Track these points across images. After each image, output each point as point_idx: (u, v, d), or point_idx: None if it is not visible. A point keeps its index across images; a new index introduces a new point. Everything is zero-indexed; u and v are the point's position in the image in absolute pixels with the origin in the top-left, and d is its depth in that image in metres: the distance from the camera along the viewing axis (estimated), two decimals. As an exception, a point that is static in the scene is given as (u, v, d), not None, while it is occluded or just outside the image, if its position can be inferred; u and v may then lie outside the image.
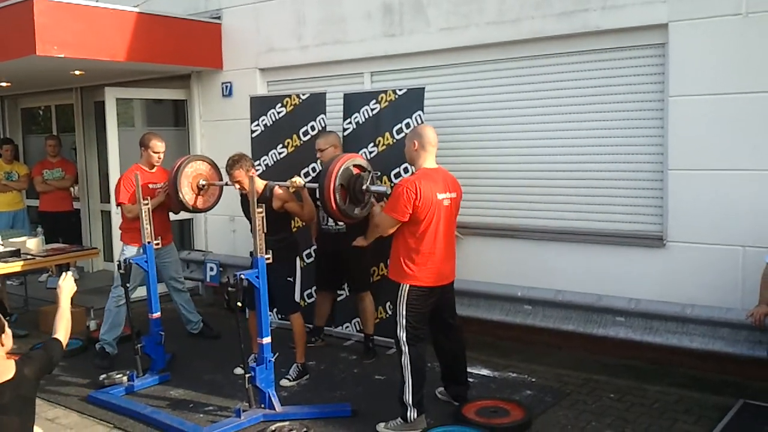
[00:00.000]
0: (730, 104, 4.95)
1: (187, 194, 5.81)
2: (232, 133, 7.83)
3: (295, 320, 5.34)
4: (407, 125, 5.95)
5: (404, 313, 4.37)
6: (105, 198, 9.24)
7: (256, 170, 5.53)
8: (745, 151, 4.91)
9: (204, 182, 5.91)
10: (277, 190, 5.26)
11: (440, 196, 4.39)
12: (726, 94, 4.96)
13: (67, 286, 3.42)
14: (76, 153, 9.74)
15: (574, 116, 5.72)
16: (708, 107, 5.04)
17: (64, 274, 3.48)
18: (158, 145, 6.18)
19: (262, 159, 6.86)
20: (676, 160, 5.20)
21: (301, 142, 6.59)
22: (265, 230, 4.74)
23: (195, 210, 6.05)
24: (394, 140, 6.02)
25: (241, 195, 5.43)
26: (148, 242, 5.51)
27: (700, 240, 5.14)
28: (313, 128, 6.54)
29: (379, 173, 4.75)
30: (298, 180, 5.31)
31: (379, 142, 6.11)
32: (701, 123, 5.07)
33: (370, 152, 6.15)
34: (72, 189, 9.32)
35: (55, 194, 8.91)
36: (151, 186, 6.05)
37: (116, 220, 7.72)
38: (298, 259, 5.49)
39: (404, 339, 4.36)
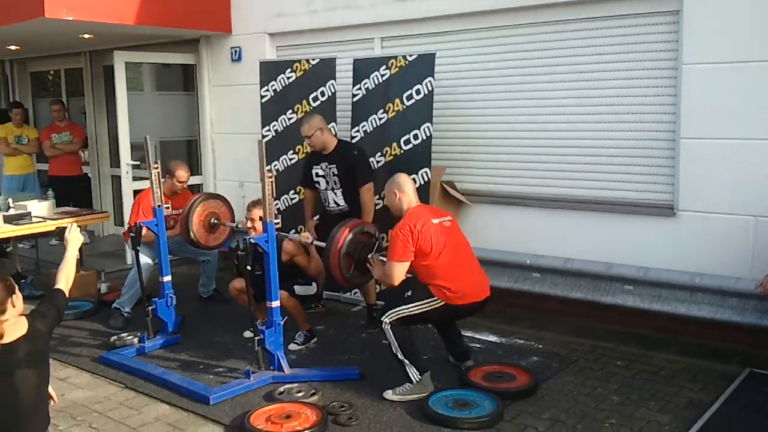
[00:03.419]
0: (744, 72, 4.89)
1: (197, 232, 5.84)
2: (241, 99, 7.81)
3: (283, 297, 5.05)
4: (417, 92, 5.92)
5: (415, 312, 4.40)
6: (115, 162, 9.26)
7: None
8: (759, 120, 4.86)
9: (215, 221, 5.94)
10: (287, 245, 5.28)
11: (436, 221, 4.47)
12: (740, 62, 4.90)
13: (73, 237, 3.43)
14: (85, 117, 9.74)
15: (586, 84, 5.67)
16: (721, 75, 4.98)
17: (69, 226, 3.48)
18: (183, 176, 6.23)
19: (271, 125, 6.85)
20: (688, 129, 5.16)
21: (311, 107, 6.57)
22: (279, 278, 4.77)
23: (204, 247, 6.08)
24: (404, 107, 5.99)
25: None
26: (158, 206, 5.52)
27: (711, 209, 5.11)
28: (323, 94, 6.52)
29: (384, 236, 4.71)
30: (306, 235, 5.37)
31: (389, 108, 6.09)
32: (714, 91, 5.02)
33: (380, 118, 6.14)
34: (82, 153, 9.33)
35: (65, 158, 8.92)
36: (166, 213, 6.04)
37: (126, 184, 7.80)
38: (315, 284, 5.51)
39: (388, 325, 4.40)
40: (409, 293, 4.47)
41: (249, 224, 5.28)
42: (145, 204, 5.87)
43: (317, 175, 5.79)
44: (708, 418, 3.99)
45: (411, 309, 4.41)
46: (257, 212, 5.14)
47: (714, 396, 4.31)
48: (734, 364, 4.78)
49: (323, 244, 4.86)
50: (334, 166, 5.65)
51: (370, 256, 4.71)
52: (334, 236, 4.71)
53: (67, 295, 3.24)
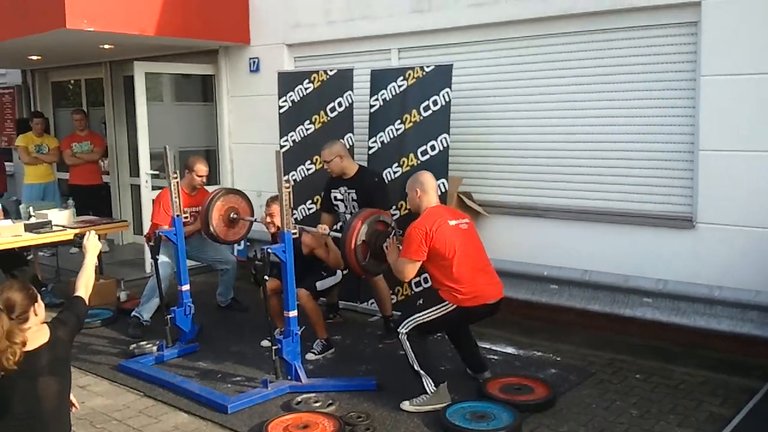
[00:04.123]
0: (763, 84, 4.86)
1: (217, 226, 5.93)
2: (259, 109, 7.86)
3: (303, 296, 5.17)
4: (434, 102, 5.94)
5: (429, 319, 4.42)
6: (134, 172, 9.35)
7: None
8: (777, 132, 4.85)
9: (235, 216, 6.01)
10: (305, 238, 5.37)
11: (452, 223, 4.49)
12: (758, 74, 4.87)
13: (91, 244, 3.46)
14: (105, 127, 9.84)
15: (604, 95, 5.66)
16: (740, 87, 4.95)
17: (87, 233, 3.51)
18: (202, 170, 6.28)
19: (289, 135, 6.89)
20: (707, 141, 5.13)
21: (329, 118, 6.61)
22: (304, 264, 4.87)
23: (224, 242, 6.19)
24: (421, 117, 6.01)
25: (271, 235, 5.52)
26: (177, 215, 5.57)
27: (730, 222, 5.08)
28: (340, 104, 6.55)
29: (401, 232, 4.77)
30: (323, 227, 5.43)
31: (406, 119, 6.11)
32: (733, 103, 4.99)
33: (397, 129, 6.16)
34: (102, 162, 9.43)
35: (85, 167, 9.02)
36: (187, 210, 6.14)
37: (146, 194, 7.86)
38: (340, 271, 5.59)
39: (405, 335, 4.42)
40: (421, 301, 4.48)
41: (268, 219, 5.36)
42: (166, 202, 5.89)
43: (336, 198, 5.84)
44: (728, 433, 3.96)
45: (425, 316, 4.42)
46: (276, 207, 5.20)
47: (734, 410, 4.27)
48: (754, 378, 4.74)
49: (339, 235, 4.90)
50: (354, 191, 5.70)
51: (387, 240, 4.73)
52: (349, 225, 4.77)
53: (87, 302, 3.28)
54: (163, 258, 5.79)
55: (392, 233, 4.83)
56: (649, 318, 5.27)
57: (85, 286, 3.32)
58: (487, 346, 5.43)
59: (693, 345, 5.23)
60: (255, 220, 6.07)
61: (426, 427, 4.16)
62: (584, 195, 5.82)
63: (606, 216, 5.68)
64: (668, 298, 5.22)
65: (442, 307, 4.41)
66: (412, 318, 4.44)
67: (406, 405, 4.41)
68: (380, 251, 4.78)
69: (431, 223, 4.42)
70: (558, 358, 5.27)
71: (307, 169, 6.81)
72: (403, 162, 6.11)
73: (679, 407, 4.38)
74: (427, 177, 4.70)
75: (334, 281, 5.57)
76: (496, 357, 5.30)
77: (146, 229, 6.83)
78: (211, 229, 5.87)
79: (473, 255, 4.50)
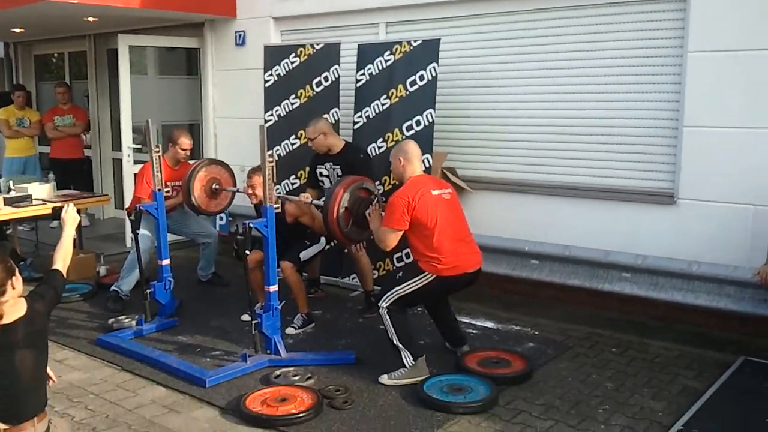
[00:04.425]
0: (750, 61, 4.85)
1: (199, 197, 5.87)
2: (245, 83, 7.80)
3: (286, 268, 5.26)
4: (421, 77, 5.89)
5: (409, 291, 4.41)
6: (116, 146, 9.25)
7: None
8: (761, 109, 4.83)
9: (217, 186, 5.96)
10: (288, 207, 5.36)
11: (435, 192, 4.48)
12: (746, 51, 4.86)
13: (70, 216, 3.42)
14: (88, 100, 9.74)
15: (590, 71, 5.64)
16: (727, 63, 4.94)
17: (66, 205, 3.47)
18: (186, 143, 6.20)
19: (274, 109, 6.84)
20: (691, 117, 5.13)
21: (314, 92, 6.56)
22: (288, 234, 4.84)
23: (206, 213, 6.13)
24: (407, 92, 5.97)
25: (254, 206, 5.49)
26: (158, 189, 5.53)
27: (711, 198, 5.10)
28: (326, 79, 6.49)
29: (384, 199, 4.75)
30: (306, 195, 5.40)
31: (392, 94, 6.06)
32: (719, 80, 4.98)
33: (383, 104, 6.12)
34: (84, 137, 9.34)
35: (66, 141, 8.94)
36: (170, 184, 6.08)
37: (128, 168, 7.81)
38: (324, 238, 5.58)
39: (385, 309, 4.42)
40: (401, 275, 4.47)
41: (249, 190, 5.35)
42: (149, 175, 5.82)
43: (321, 174, 5.82)
44: (701, 405, 3.99)
45: (404, 288, 4.42)
46: (258, 179, 5.18)
47: (708, 383, 4.31)
48: (729, 352, 4.78)
49: (322, 203, 4.90)
50: (339, 167, 5.67)
51: (370, 207, 4.72)
52: (332, 192, 4.75)
53: (65, 275, 3.25)
54: (143, 231, 5.76)
55: (375, 200, 4.81)
56: (628, 293, 5.31)
57: (63, 258, 3.29)
58: (467, 321, 5.45)
59: (670, 319, 5.27)
60: (237, 191, 6.03)
61: (404, 399, 4.18)
62: (567, 171, 5.82)
63: (588, 192, 5.68)
64: (647, 273, 5.25)
65: (422, 278, 4.40)
66: (392, 291, 4.44)
67: (384, 378, 4.42)
68: (363, 218, 4.77)
69: (414, 192, 4.40)
70: (536, 332, 5.30)
71: (292, 144, 6.77)
72: (388, 137, 6.08)
73: (654, 380, 4.42)
74: (411, 146, 4.67)
75: (318, 249, 5.56)
76: (475, 331, 5.32)
77: (128, 203, 6.78)
78: (193, 200, 5.83)
79: (454, 225, 4.48)
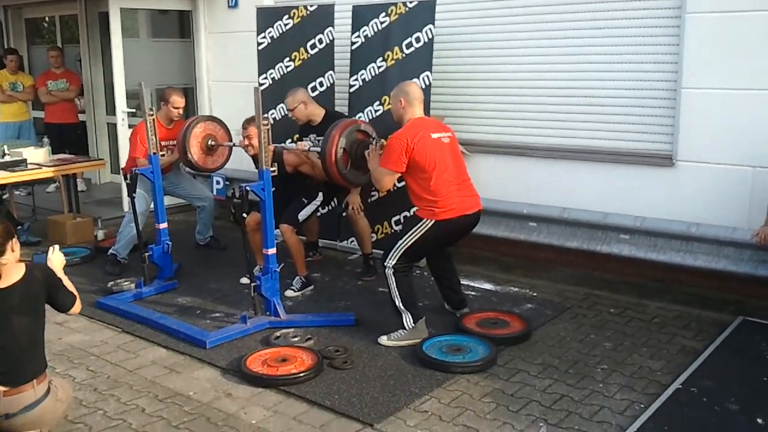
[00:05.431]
0: (748, 22, 4.81)
1: (195, 154, 5.79)
2: (238, 46, 7.71)
3: (286, 231, 5.29)
4: (417, 39, 5.83)
5: (411, 242, 4.38)
6: (111, 110, 9.17)
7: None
8: (758, 71, 4.80)
9: (213, 143, 5.88)
10: (287, 156, 5.31)
11: (435, 135, 4.42)
12: (744, 11, 4.81)
13: (56, 260, 3.39)
14: (81, 64, 9.62)
15: (587, 32, 5.58)
16: (726, 25, 4.89)
17: (51, 248, 3.42)
18: (178, 101, 6.11)
19: (268, 72, 6.76)
20: (690, 79, 5.09)
21: (309, 55, 6.49)
22: (285, 184, 4.85)
23: (203, 170, 6.06)
24: (404, 55, 5.91)
25: (252, 158, 5.43)
26: (154, 153, 5.49)
27: (710, 160, 5.09)
28: (321, 41, 6.41)
29: (383, 141, 4.69)
30: (302, 144, 5.31)
31: (388, 56, 6.00)
32: (718, 41, 4.94)
33: (379, 67, 6.06)
34: (78, 101, 9.24)
35: (60, 106, 8.83)
36: (164, 143, 6.00)
37: (122, 132, 7.74)
38: (321, 194, 5.54)
39: (392, 269, 4.40)
40: (399, 228, 4.44)
41: (246, 142, 5.31)
42: (143, 134, 5.75)
43: None
44: (699, 365, 4.02)
45: (407, 240, 4.39)
46: (253, 129, 5.14)
47: (706, 343, 4.34)
48: (727, 313, 4.81)
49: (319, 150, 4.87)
50: (323, 137, 5.62)
51: (366, 152, 4.68)
52: (328, 136, 4.71)
53: (76, 299, 3.31)
54: (139, 191, 5.72)
55: (374, 141, 4.77)
56: (626, 254, 5.32)
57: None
58: (466, 283, 5.46)
59: (668, 281, 5.29)
60: (234, 145, 5.96)
61: (403, 360, 4.20)
62: (565, 133, 5.79)
63: (587, 154, 5.66)
64: (646, 235, 5.27)
65: (421, 225, 4.37)
66: (395, 248, 4.41)
67: (383, 339, 4.44)
68: (361, 160, 4.73)
69: (413, 135, 4.35)
70: (534, 294, 5.32)
71: (287, 109, 6.70)
72: (385, 100, 6.03)
73: (652, 340, 4.45)
74: (413, 87, 4.59)
75: (316, 205, 5.53)
76: (473, 293, 5.34)
77: (122, 167, 6.74)
78: (189, 156, 5.74)
79: (452, 169, 4.44)
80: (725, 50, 4.92)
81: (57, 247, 3.46)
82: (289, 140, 6.63)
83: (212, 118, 6.10)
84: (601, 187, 5.57)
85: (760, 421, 3.41)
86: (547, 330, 4.64)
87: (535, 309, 5.01)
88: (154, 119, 5.49)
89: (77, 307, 3.33)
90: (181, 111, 6.18)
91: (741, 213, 4.96)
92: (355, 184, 5.15)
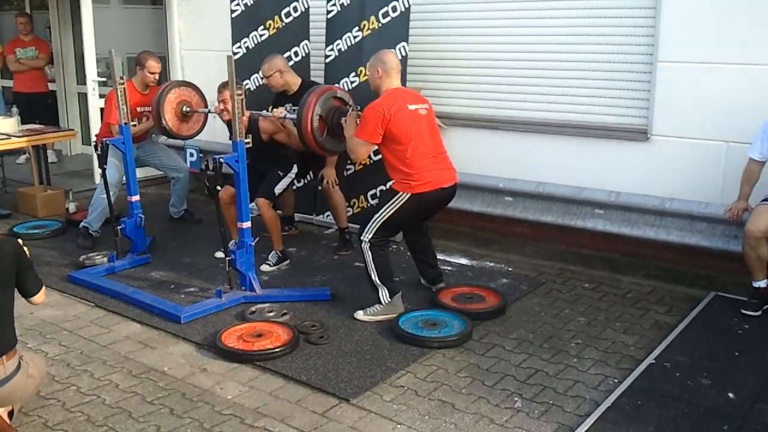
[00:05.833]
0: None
1: (170, 120, 5.68)
2: (210, 13, 7.57)
3: (263, 205, 5.25)
4: (393, 9, 5.77)
5: (387, 216, 4.36)
6: (81, 80, 8.99)
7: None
8: (734, 45, 4.80)
9: (188, 109, 5.76)
10: (263, 124, 5.24)
11: (412, 107, 4.37)
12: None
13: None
14: (50, 32, 9.39)
15: (561, 4, 5.53)
16: (702, -3, 4.89)
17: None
18: (154, 66, 5.98)
19: (242, 41, 6.65)
20: (666, 52, 5.08)
21: (283, 24, 6.38)
22: (260, 156, 4.81)
23: (178, 137, 5.96)
24: (380, 24, 5.83)
25: (226, 123, 5.32)
26: (125, 123, 5.38)
27: (684, 134, 5.10)
28: (296, 9, 6.32)
29: (359, 108, 4.63)
30: (278, 111, 5.23)
31: (364, 26, 5.92)
32: (693, 14, 4.92)
33: (355, 37, 5.98)
34: (48, 70, 9.04)
35: (30, 74, 8.65)
36: (139, 110, 5.89)
37: (93, 102, 7.59)
38: (296, 166, 5.48)
39: (368, 243, 4.38)
40: (375, 202, 4.41)
41: (221, 106, 5.24)
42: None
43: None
44: (672, 340, 4.07)
45: (383, 213, 4.37)
46: (228, 93, 5.05)
47: (679, 318, 4.40)
48: (699, 288, 4.87)
49: (295, 117, 4.82)
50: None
51: (343, 120, 4.63)
52: (304, 101, 4.66)
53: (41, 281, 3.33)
54: (111, 161, 5.62)
55: (351, 109, 4.70)
56: (600, 229, 5.35)
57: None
58: (442, 257, 5.45)
59: (642, 256, 5.34)
60: (209, 111, 5.87)
61: (379, 335, 4.20)
62: (541, 107, 5.77)
63: (562, 128, 5.65)
64: (620, 210, 5.30)
65: (397, 199, 4.35)
66: (371, 221, 4.39)
67: (359, 314, 4.43)
68: (338, 128, 4.68)
69: (389, 105, 4.30)
70: (510, 269, 5.35)
71: (261, 78, 6.60)
72: (361, 71, 5.96)
73: (625, 315, 4.49)
74: (390, 56, 4.52)
75: (291, 178, 5.48)
76: (449, 268, 5.35)
77: (94, 138, 6.60)
78: (164, 122, 5.64)
79: (429, 141, 4.42)
80: (701, 24, 4.91)
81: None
82: (265, 110, 6.57)
83: (186, 83, 5.99)
84: (576, 161, 5.57)
85: (731, 395, 3.46)
86: (522, 305, 4.67)
87: (510, 284, 5.04)
88: (124, 88, 5.37)
89: (42, 295, 3.31)
90: (157, 76, 6.06)
91: (714, 188, 4.99)
92: (331, 152, 5.09)
